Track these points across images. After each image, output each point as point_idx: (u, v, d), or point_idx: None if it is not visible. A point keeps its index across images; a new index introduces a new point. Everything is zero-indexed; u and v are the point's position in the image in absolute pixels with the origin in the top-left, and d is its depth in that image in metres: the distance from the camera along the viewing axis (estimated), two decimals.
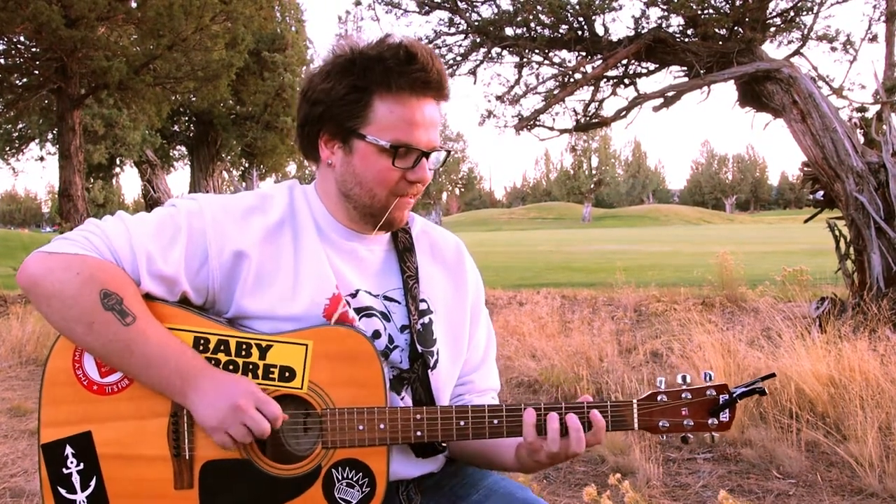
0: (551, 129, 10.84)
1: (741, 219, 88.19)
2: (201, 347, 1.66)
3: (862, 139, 8.91)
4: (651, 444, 4.63)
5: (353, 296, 1.78)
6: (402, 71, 1.67)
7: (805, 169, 9.15)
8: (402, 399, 1.78)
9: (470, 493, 1.88)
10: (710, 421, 1.71)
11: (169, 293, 1.69)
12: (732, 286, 11.51)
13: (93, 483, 1.65)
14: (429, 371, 1.81)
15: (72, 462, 1.64)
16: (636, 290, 12.20)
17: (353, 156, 1.73)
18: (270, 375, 1.66)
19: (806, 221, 10.02)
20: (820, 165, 8.55)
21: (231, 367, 1.65)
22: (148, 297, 1.67)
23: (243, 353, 1.66)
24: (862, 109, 9.61)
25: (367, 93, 1.69)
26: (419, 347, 1.81)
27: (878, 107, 9.33)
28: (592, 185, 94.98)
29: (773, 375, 1.79)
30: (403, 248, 1.88)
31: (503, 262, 22.37)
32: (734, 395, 1.69)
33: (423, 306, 1.86)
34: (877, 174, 8.33)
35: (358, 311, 1.77)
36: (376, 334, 1.78)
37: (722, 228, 59.99)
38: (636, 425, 1.71)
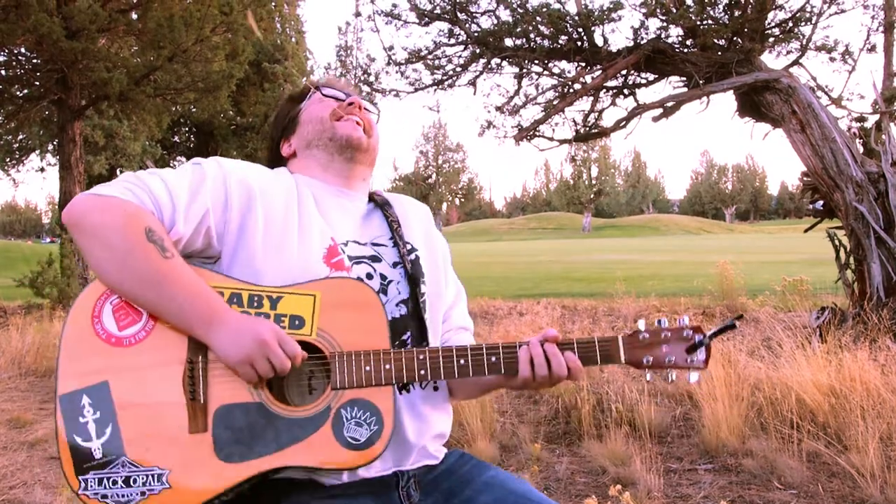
0: (551, 139, 10.85)
1: (741, 228, 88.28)
2: None
3: (861, 149, 8.92)
4: (652, 455, 4.62)
5: (345, 245, 1.95)
6: (315, 86, 2.17)
7: (805, 179, 9.16)
8: (406, 339, 1.95)
9: (465, 488, 1.93)
10: (689, 359, 1.84)
11: (199, 233, 1.82)
12: (733, 296, 11.52)
13: (108, 430, 1.68)
14: (418, 290, 1.99)
15: (88, 412, 1.68)
16: (636, 299, 12.20)
17: (299, 125, 2.12)
18: (281, 324, 1.75)
19: (806, 231, 10.02)
20: (819, 175, 8.56)
21: None
22: None
23: (255, 304, 1.76)
24: (861, 119, 9.63)
25: (301, 98, 2.17)
26: (413, 273, 2.00)
27: (877, 116, 9.34)
28: (592, 195, 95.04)
29: (741, 317, 1.93)
30: (383, 203, 2.13)
31: (503, 273, 22.36)
32: (709, 335, 1.84)
33: (409, 246, 2.06)
34: (876, 184, 8.34)
35: (349, 258, 1.93)
36: (368, 276, 1.94)
37: (722, 238, 59.99)
38: (622, 358, 1.84)
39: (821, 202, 8.97)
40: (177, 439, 1.69)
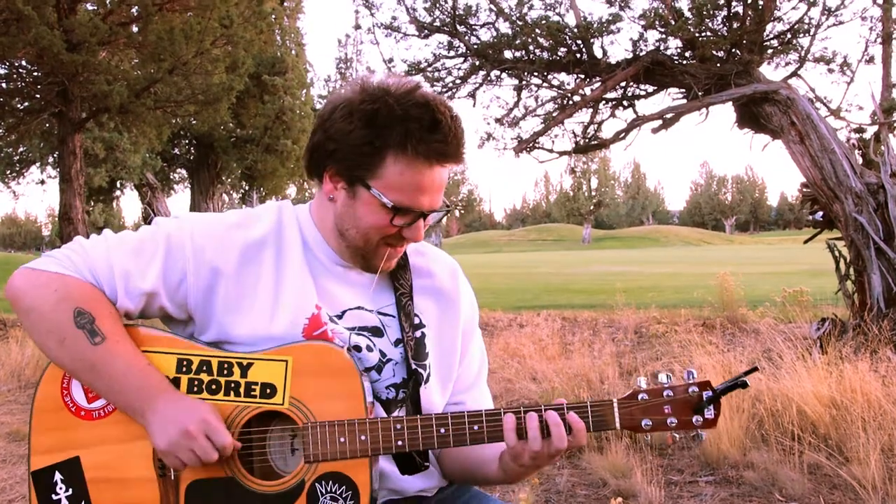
0: (550, 151, 10.85)
1: (741, 239, 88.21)
2: (184, 368, 1.71)
3: (860, 160, 8.92)
4: (653, 468, 4.61)
5: (340, 317, 1.82)
6: (421, 138, 1.66)
7: (804, 190, 9.16)
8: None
9: None
10: (694, 419, 1.68)
11: (147, 309, 1.76)
12: (733, 307, 11.49)
13: None
14: (421, 387, 1.84)
15: (60, 488, 1.67)
16: (636, 311, 12.18)
17: (355, 201, 1.75)
18: (252, 392, 1.69)
19: (806, 242, 10.01)
20: (819, 186, 8.56)
21: (213, 386, 1.70)
22: (133, 324, 1.75)
23: (225, 371, 1.70)
24: (860, 130, 9.63)
25: (382, 148, 1.68)
26: (413, 363, 1.83)
27: (875, 127, 9.35)
28: (592, 207, 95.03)
29: (755, 369, 1.73)
30: (397, 266, 1.91)
31: (503, 284, 22.33)
32: (717, 392, 1.68)
33: (416, 321, 1.90)
34: (876, 195, 8.34)
35: (349, 329, 1.83)
36: (368, 348, 1.82)
37: (722, 249, 59.96)
38: (618, 425, 1.68)
39: (820, 213, 8.97)
40: None
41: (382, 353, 1.83)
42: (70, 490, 1.67)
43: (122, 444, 1.69)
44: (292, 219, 1.87)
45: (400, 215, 1.72)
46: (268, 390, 1.69)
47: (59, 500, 1.67)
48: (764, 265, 28.13)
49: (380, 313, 1.87)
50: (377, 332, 1.85)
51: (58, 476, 1.67)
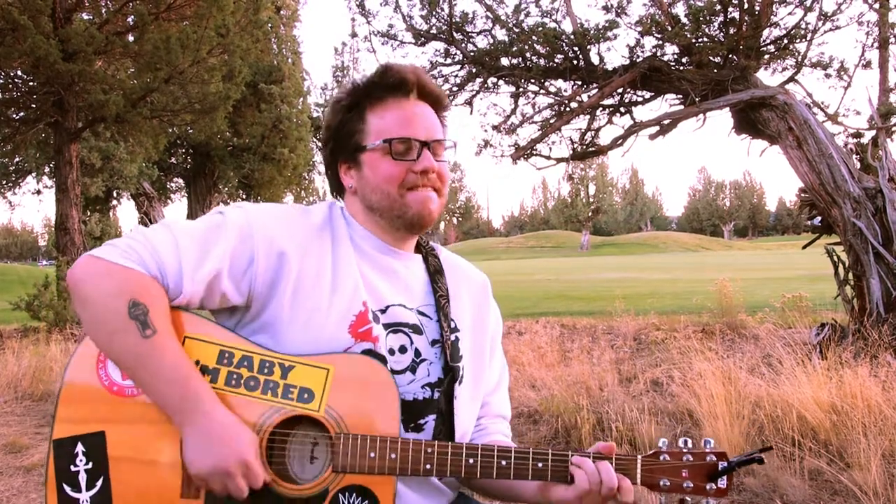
0: (548, 157, 10.85)
1: (739, 245, 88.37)
2: (225, 360, 1.70)
3: (858, 165, 8.92)
4: None
5: (384, 311, 1.85)
6: (379, 81, 1.86)
7: (802, 195, 9.15)
8: (424, 423, 1.84)
9: None
10: (708, 486, 1.75)
11: (209, 295, 1.73)
12: (732, 313, 11.47)
13: (99, 483, 1.64)
14: (455, 385, 1.88)
15: (81, 460, 1.64)
16: (635, 318, 12.16)
17: (363, 169, 1.86)
18: (290, 395, 1.69)
19: (804, 247, 10.01)
20: (817, 191, 8.55)
21: (252, 383, 1.69)
22: (184, 309, 1.73)
23: (266, 370, 1.70)
24: (857, 135, 9.63)
25: (359, 109, 1.87)
26: (450, 363, 1.88)
27: (873, 132, 9.35)
28: (590, 213, 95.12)
29: (770, 448, 1.83)
30: (434, 271, 1.99)
31: (502, 291, 22.31)
32: (732, 464, 1.75)
33: (452, 325, 1.95)
34: (874, 199, 8.33)
35: (386, 326, 1.83)
36: (402, 349, 1.84)
37: (720, 255, 60.01)
38: (639, 480, 1.76)
39: (819, 218, 8.97)
40: (168, 502, 1.64)
41: (417, 353, 1.86)
42: (90, 464, 1.63)
43: (152, 425, 1.65)
44: (339, 214, 1.94)
45: (397, 151, 1.82)
46: (305, 395, 1.69)
47: (78, 472, 1.63)
48: (762, 271, 28.14)
49: (419, 312, 1.91)
50: (417, 329, 1.88)
51: (80, 447, 1.64)
